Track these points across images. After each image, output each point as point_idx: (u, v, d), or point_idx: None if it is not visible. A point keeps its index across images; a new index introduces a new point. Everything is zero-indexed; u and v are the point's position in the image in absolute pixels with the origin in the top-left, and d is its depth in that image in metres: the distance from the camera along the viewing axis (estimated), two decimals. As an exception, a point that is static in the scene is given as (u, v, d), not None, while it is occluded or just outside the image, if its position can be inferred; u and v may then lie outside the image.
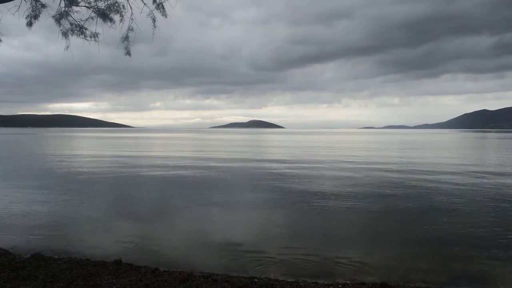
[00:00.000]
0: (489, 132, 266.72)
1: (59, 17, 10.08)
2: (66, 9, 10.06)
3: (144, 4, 9.53)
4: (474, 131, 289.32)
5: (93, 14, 10.17)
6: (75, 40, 10.44)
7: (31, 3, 9.79)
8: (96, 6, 9.96)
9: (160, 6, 9.66)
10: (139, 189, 17.91)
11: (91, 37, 10.46)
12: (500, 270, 8.08)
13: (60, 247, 9.37)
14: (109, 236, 10.50)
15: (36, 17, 10.01)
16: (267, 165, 28.92)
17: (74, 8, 10.18)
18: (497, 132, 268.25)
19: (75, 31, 10.47)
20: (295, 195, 16.04)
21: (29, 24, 9.96)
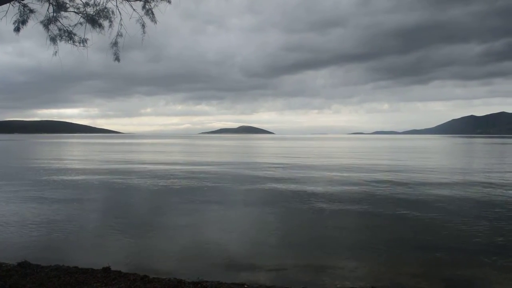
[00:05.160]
0: (476, 137, 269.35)
1: (48, 23, 10.00)
2: (55, 14, 9.99)
3: (134, 10, 9.50)
4: (462, 137, 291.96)
5: (82, 20, 10.11)
6: (67, 46, 10.38)
7: (18, 9, 9.71)
8: (85, 12, 9.91)
9: (149, 12, 9.64)
10: (128, 196, 17.75)
11: (79, 42, 10.40)
12: (489, 275, 8.12)
13: (47, 254, 9.25)
14: (98, 243, 10.40)
15: (24, 22, 9.92)
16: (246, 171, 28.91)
17: (63, 13, 10.12)
18: (485, 137, 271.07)
19: (64, 37, 10.40)
20: (285, 200, 16.04)
21: (17, 29, 9.87)
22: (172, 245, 10.18)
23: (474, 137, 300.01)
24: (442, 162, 37.93)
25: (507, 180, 23.32)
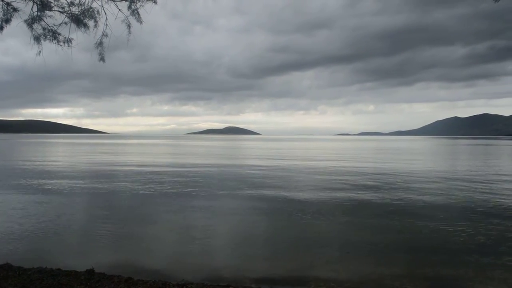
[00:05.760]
0: (460, 139, 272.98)
1: (32, 22, 9.87)
2: (39, 13, 9.87)
3: (119, 10, 9.43)
4: (446, 138, 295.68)
5: (66, 19, 10.00)
6: (52, 45, 10.26)
7: (1, 7, 9.58)
8: (69, 11, 9.80)
9: (135, 12, 9.58)
10: (111, 199, 17.56)
11: (64, 42, 10.27)
12: (472, 274, 8.24)
13: (30, 256, 9.13)
14: (82, 245, 10.31)
15: (7, 21, 9.78)
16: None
17: (47, 12, 9.99)
18: (468, 139, 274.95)
19: (48, 36, 10.27)
20: (269, 202, 16.08)
21: (0, 28, 9.73)
22: (157, 247, 10.13)
23: (458, 138, 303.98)
24: (427, 164, 38.36)
25: (489, 180, 23.69)
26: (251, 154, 52.40)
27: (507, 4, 7.10)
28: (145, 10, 9.62)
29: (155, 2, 9.60)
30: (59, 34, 10.24)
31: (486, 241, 10.56)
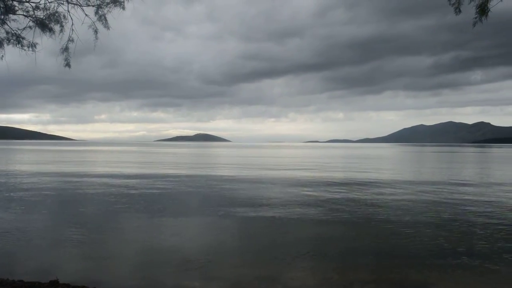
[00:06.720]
0: (426, 146, 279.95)
1: (-6, 25, 9.61)
2: (2, 17, 9.61)
3: (86, 15, 9.29)
4: (412, 145, 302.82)
5: (31, 23, 9.77)
6: (17, 50, 10.00)
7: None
8: (34, 15, 9.58)
9: (102, 18, 9.45)
10: (78, 206, 17.13)
11: (28, 47, 10.04)
12: (437, 278, 8.45)
13: (-10, 268, 8.80)
14: (46, 255, 10.01)
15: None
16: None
17: (11, 16, 9.75)
18: (434, 146, 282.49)
19: (12, 40, 10.01)
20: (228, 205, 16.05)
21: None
22: (123, 257, 9.95)
23: (424, 145, 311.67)
24: (395, 171, 39.14)
25: (453, 186, 24.37)
26: (221, 163, 51.55)
27: (470, 16, 7.41)
28: (113, 16, 9.51)
29: (123, 8, 9.51)
30: (23, 38, 10.01)
31: (446, 244, 10.90)
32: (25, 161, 53.03)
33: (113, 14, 9.47)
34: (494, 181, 28.17)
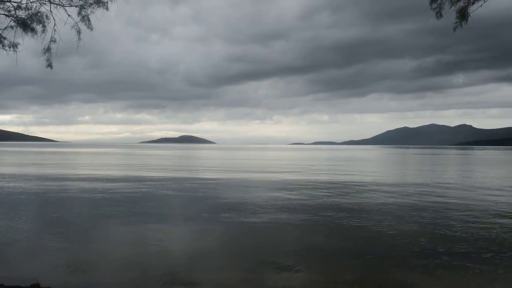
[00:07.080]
0: (409, 148, 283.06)
1: (-26, 25, 9.46)
2: (-18, 16, 9.47)
3: (69, 15, 9.21)
4: (396, 147, 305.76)
5: (12, 23, 9.64)
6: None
7: None
8: (15, 15, 9.46)
9: (85, 19, 9.37)
10: (60, 211, 16.86)
11: (9, 47, 9.90)
12: (420, 278, 8.58)
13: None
14: (27, 259, 9.85)
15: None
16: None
17: (-8, 16, 9.60)
18: (417, 148, 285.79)
19: (-8, 40, 9.87)
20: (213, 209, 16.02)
21: None
22: (106, 260, 9.86)
23: (407, 147, 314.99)
24: (379, 174, 39.52)
25: (435, 188, 24.71)
26: (205, 166, 51.03)
27: (452, 21, 7.54)
28: (96, 16, 9.44)
29: (107, 9, 9.44)
30: (4, 38, 9.88)
31: (428, 244, 11.06)
32: (5, 163, 52.08)
33: (97, 15, 9.40)
34: (475, 183, 28.59)
